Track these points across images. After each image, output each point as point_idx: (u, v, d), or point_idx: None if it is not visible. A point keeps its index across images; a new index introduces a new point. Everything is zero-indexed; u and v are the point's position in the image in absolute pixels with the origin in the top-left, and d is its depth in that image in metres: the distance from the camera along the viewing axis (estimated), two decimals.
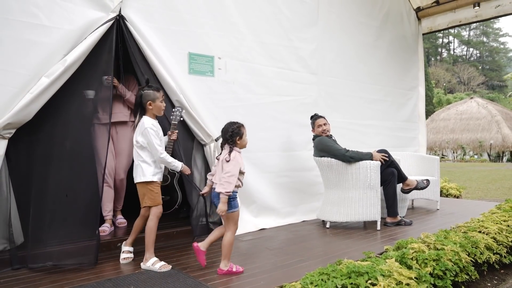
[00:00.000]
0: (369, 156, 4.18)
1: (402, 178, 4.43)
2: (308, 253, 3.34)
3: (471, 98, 29.30)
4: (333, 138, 4.52)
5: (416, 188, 4.46)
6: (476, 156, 28.01)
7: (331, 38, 5.35)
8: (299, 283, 2.46)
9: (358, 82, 5.75)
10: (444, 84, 52.54)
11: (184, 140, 3.96)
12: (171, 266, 3.00)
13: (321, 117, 4.58)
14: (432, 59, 67.00)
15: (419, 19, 6.90)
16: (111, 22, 3.36)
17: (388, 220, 4.41)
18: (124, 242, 3.26)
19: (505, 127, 24.01)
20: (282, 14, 4.73)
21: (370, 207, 4.15)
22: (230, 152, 2.90)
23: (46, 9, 3.09)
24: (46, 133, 3.19)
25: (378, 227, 4.20)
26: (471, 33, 72.58)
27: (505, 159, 29.33)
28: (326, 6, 5.26)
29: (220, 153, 3.01)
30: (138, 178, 3.03)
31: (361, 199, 4.15)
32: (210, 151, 3.89)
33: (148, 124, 2.96)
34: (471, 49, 72.52)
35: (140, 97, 3.02)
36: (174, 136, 3.42)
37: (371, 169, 4.13)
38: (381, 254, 3.11)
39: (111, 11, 3.37)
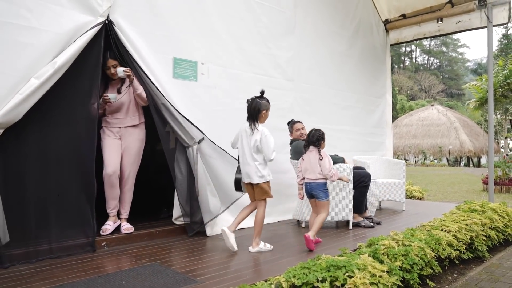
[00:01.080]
0: (341, 160, 4.45)
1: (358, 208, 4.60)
2: (288, 250, 3.55)
3: (432, 105, 30.71)
4: None
5: (359, 225, 4.59)
6: (436, 161, 29.38)
7: (307, 46, 5.62)
8: (283, 276, 2.66)
9: (331, 89, 6.05)
10: (407, 91, 54.60)
11: (167, 142, 4.08)
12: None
13: (298, 121, 4.82)
14: (396, 67, 69.45)
15: (387, 30, 7.32)
16: (100, 26, 3.45)
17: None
18: (228, 228, 3.55)
19: (463, 133, 25.34)
20: (261, 22, 4.94)
21: (343, 207, 4.41)
22: (319, 152, 3.71)
23: (36, 12, 3.14)
24: (34, 133, 3.23)
25: (350, 226, 4.48)
26: (432, 42, 75.82)
27: (462, 163, 30.94)
28: (302, 15, 5.52)
29: (304, 154, 3.83)
30: (256, 179, 3.51)
31: (335, 200, 4.40)
32: (193, 153, 4.02)
33: (267, 131, 3.56)
34: (431, 58, 75.75)
35: (259, 106, 3.57)
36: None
37: (344, 172, 4.40)
38: (355, 250, 3.36)
39: (99, 16, 3.46)
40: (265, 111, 3.63)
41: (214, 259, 3.27)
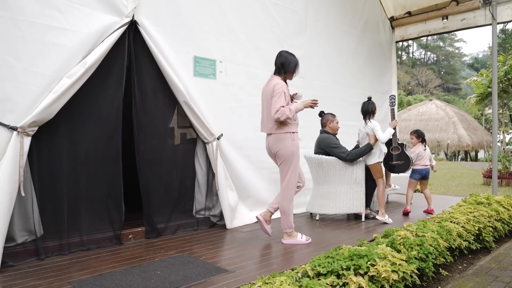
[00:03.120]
0: (370, 148, 4.57)
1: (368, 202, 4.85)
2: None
3: (430, 100, 30.90)
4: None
5: (368, 217, 4.81)
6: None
7: (317, 44, 5.76)
8: (308, 265, 2.82)
9: (340, 85, 6.20)
10: (407, 86, 54.81)
11: (188, 138, 4.22)
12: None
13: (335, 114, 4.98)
14: None
15: (393, 28, 7.46)
16: (126, 26, 3.57)
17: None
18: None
19: (461, 128, 25.56)
20: (275, 22, 5.07)
21: (356, 200, 4.58)
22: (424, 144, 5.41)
23: (67, 13, 3.26)
24: (65, 131, 3.37)
25: (363, 219, 4.65)
26: (429, 37, 75.97)
27: (459, 158, 31.23)
28: (313, 15, 5.66)
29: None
30: (371, 161, 4.61)
31: (348, 193, 4.57)
32: (213, 149, 4.17)
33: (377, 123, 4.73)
34: (428, 53, 75.85)
35: (374, 106, 4.81)
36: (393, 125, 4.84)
37: (357, 166, 4.56)
38: (371, 241, 3.53)
39: (125, 16, 3.58)
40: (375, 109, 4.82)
41: (238, 250, 3.43)
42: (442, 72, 68.06)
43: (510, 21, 6.18)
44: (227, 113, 4.45)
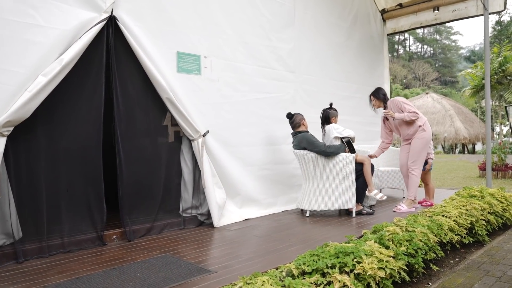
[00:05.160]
0: (342, 149, 4.53)
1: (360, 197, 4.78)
2: (294, 239, 3.63)
3: (427, 93, 30.83)
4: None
5: (361, 212, 4.75)
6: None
7: (307, 38, 5.66)
8: (293, 264, 2.74)
9: (331, 79, 6.11)
10: (402, 80, 54.77)
11: (172, 136, 4.13)
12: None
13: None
14: (390, 55, 69.48)
15: (384, 20, 7.37)
16: (104, 22, 3.47)
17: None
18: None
19: (458, 121, 25.51)
20: (263, 16, 4.98)
21: (346, 196, 4.50)
22: None
23: (42, 9, 3.16)
24: (43, 130, 3.28)
25: (353, 214, 4.58)
26: (425, 31, 75.75)
27: (457, 151, 31.21)
28: (302, 8, 5.56)
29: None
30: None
31: (338, 189, 4.49)
32: (198, 146, 4.08)
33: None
34: (425, 46, 75.77)
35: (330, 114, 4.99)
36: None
37: (347, 161, 4.48)
38: (360, 237, 3.45)
39: (103, 12, 3.48)
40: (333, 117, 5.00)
41: (224, 249, 3.35)
42: (439, 65, 68.03)
43: (502, 11, 6.09)
44: (213, 109, 4.36)
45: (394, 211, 4.91)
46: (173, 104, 3.88)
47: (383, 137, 5.37)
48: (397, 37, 73.75)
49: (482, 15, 6.14)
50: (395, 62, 63.43)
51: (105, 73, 3.57)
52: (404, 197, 5.92)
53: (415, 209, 4.97)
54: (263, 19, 4.97)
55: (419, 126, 5.00)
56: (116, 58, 3.65)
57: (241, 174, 4.61)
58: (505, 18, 27.54)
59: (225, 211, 4.39)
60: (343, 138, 4.63)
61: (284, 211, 5.04)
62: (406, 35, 74.61)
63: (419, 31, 75.22)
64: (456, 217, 4.17)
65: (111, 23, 3.57)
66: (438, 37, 74.37)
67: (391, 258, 2.91)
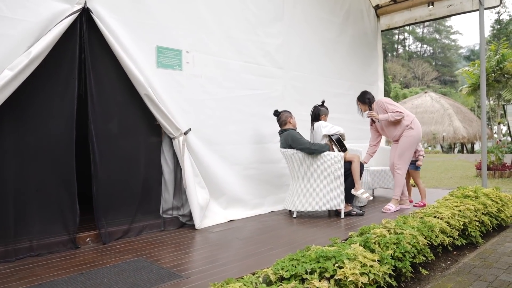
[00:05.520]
0: (327, 148, 4.36)
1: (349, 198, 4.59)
2: (277, 242, 3.46)
3: (426, 92, 30.68)
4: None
5: (350, 213, 4.56)
6: (430, 148, 29.45)
7: (296, 33, 5.49)
8: (271, 269, 2.57)
9: (322, 76, 5.94)
10: (400, 79, 54.66)
11: (152, 134, 3.97)
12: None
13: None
14: (389, 55, 69.44)
15: (378, 16, 7.20)
16: (77, 14, 3.30)
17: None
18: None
19: (456, 120, 25.36)
20: (249, 9, 4.81)
21: (334, 196, 4.33)
22: None
23: (9, 1, 2.99)
24: (11, 127, 3.10)
25: (342, 215, 4.41)
26: (425, 30, 75.75)
27: (456, 150, 31.04)
28: (291, 1, 5.39)
29: None
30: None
31: (326, 189, 4.32)
32: (179, 144, 3.91)
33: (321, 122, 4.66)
34: (425, 46, 75.69)
35: (320, 111, 4.79)
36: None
37: (335, 160, 4.31)
38: (346, 240, 3.29)
39: (76, 3, 3.31)
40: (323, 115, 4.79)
41: (202, 253, 3.18)
42: (439, 65, 67.92)
43: (497, 6, 5.92)
44: (195, 106, 4.20)
45: (383, 212, 4.76)
46: (152, 100, 3.71)
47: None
48: (396, 36, 73.69)
49: (477, 10, 5.97)
50: (394, 61, 63.36)
51: (79, 68, 3.40)
52: None
53: (399, 208, 4.94)
54: (250, 13, 4.80)
55: (407, 125, 4.88)
56: (90, 52, 3.47)
57: (226, 174, 4.44)
58: (504, 16, 27.37)
59: (209, 212, 4.22)
60: (332, 135, 4.44)
61: (271, 212, 4.87)
62: (406, 34, 74.57)
63: (419, 30, 75.13)
64: (449, 218, 4.01)
65: (85, 15, 3.39)
66: (437, 36, 74.29)
67: (376, 262, 2.74)
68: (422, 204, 5.10)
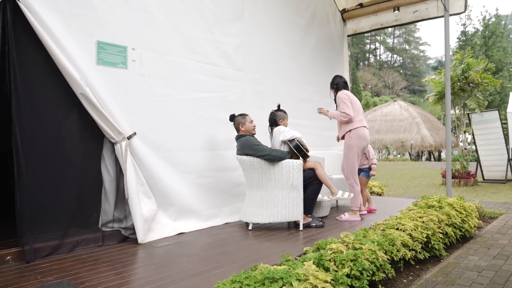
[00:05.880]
0: (289, 156, 4.09)
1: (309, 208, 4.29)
2: (226, 258, 3.14)
3: (395, 100, 31.21)
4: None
5: (309, 225, 4.26)
6: (399, 155, 29.89)
7: (258, 33, 5.22)
8: None
9: (286, 80, 5.69)
10: (370, 87, 55.70)
11: (91, 138, 3.57)
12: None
13: (247, 114, 4.42)
14: (361, 63, 70.90)
15: (344, 20, 7.04)
16: None
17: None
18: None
19: (424, 128, 25.85)
20: (205, 6, 4.50)
21: (293, 207, 4.05)
22: None
23: None
24: None
25: (301, 227, 4.13)
26: (395, 40, 77.85)
27: (424, 158, 31.65)
28: (252, 0, 5.11)
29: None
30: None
31: (284, 199, 4.04)
32: (121, 150, 3.54)
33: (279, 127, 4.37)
34: (395, 56, 77.72)
35: (277, 116, 4.49)
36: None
37: (294, 169, 4.04)
38: (300, 256, 3.00)
39: None
40: (281, 119, 4.48)
41: (137, 273, 2.82)
42: (408, 74, 69.79)
43: (462, 13, 5.86)
44: (142, 108, 3.83)
45: (336, 219, 4.66)
46: (89, 101, 3.33)
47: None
48: (368, 46, 75.26)
49: (442, 16, 5.89)
50: (365, 70, 64.62)
51: (2, 62, 2.99)
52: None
53: (360, 219, 4.74)
54: (205, 10, 4.49)
55: (348, 131, 4.69)
56: (16, 44, 3.07)
57: (176, 182, 4.09)
58: (470, 29, 28.25)
59: (156, 224, 3.85)
60: (290, 141, 4.14)
61: (226, 223, 4.54)
62: (377, 44, 76.31)
63: (389, 40, 77.06)
64: (411, 230, 3.81)
65: (9, 2, 2.99)
66: (407, 47, 76.43)
67: (329, 283, 2.46)
68: (368, 210, 5.16)
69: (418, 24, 76.50)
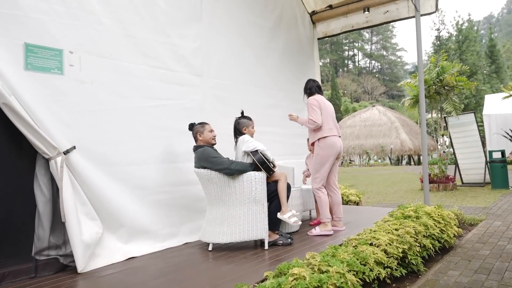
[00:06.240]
0: (253, 167, 3.72)
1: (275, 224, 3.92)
2: None
3: (373, 106, 31.36)
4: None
5: (276, 243, 3.85)
6: (380, 160, 29.93)
7: (219, 36, 4.86)
8: None
9: (252, 85, 5.34)
10: (350, 93, 56.15)
11: (21, 154, 3.13)
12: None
13: (206, 123, 4.03)
14: (340, 70, 71.66)
15: (313, 23, 6.76)
16: None
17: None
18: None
19: (403, 132, 25.95)
20: (157, 6, 4.12)
21: (256, 224, 3.67)
22: None
23: None
24: None
25: (266, 247, 3.74)
26: (373, 47, 79.11)
27: (404, 162, 31.79)
28: (211, 1, 4.77)
29: None
30: None
31: (246, 215, 3.65)
32: (56, 166, 3.10)
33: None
34: (373, 62, 78.88)
35: (241, 124, 4.10)
36: None
37: (257, 182, 3.66)
38: (259, 283, 2.62)
39: None
40: (244, 127, 4.10)
41: None
42: (386, 80, 70.82)
43: (433, 13, 5.65)
44: (83, 119, 3.41)
45: (308, 234, 4.33)
46: (14, 112, 2.90)
47: None
48: (346, 52, 76.10)
49: (414, 17, 5.67)
50: (345, 76, 65.25)
51: None
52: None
53: (332, 232, 4.37)
54: (158, 10, 4.11)
55: (317, 139, 4.40)
56: None
57: (126, 200, 3.66)
58: (444, 33, 28.69)
59: (102, 249, 3.41)
60: (252, 152, 3.77)
61: (186, 243, 4.12)
62: (355, 50, 77.27)
63: (367, 47, 78.16)
64: (386, 245, 3.49)
65: None
66: (385, 53, 77.68)
67: None
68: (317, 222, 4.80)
69: (395, 30, 78.00)
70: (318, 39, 6.84)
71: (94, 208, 3.40)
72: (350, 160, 30.42)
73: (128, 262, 3.47)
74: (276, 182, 3.84)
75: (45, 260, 3.17)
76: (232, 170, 3.61)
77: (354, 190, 7.61)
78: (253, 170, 3.71)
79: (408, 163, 31.59)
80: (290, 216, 3.78)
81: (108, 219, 3.52)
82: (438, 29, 28.09)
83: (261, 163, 3.66)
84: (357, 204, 7.32)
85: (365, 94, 62.40)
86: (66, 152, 3.18)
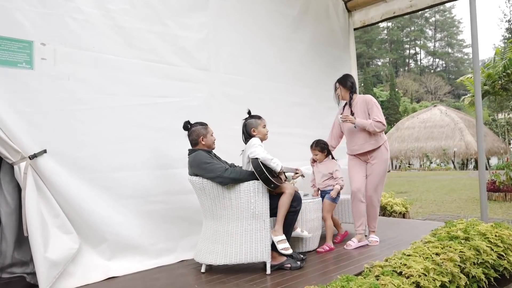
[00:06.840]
0: (250, 178, 3.09)
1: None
2: None
3: (435, 105, 29.18)
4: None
5: (283, 267, 3.20)
6: (442, 164, 27.70)
7: (230, 25, 4.33)
8: None
9: (271, 81, 4.75)
10: (411, 93, 53.36)
11: None
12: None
13: (206, 124, 3.49)
14: (401, 69, 68.41)
15: (349, 11, 5.99)
16: None
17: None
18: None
19: (468, 134, 23.75)
20: None
21: (256, 243, 3.05)
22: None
23: None
24: None
25: (268, 271, 3.09)
26: (437, 44, 74.63)
27: (471, 166, 29.16)
28: None
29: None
30: None
31: (244, 233, 3.05)
32: (20, 172, 2.72)
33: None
34: (437, 60, 74.38)
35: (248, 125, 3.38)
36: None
37: (256, 193, 3.05)
38: None
39: None
40: (253, 129, 3.37)
41: None
42: (452, 79, 66.36)
43: None
44: (57, 119, 3.02)
45: (344, 248, 3.89)
46: None
47: (330, 141, 4.22)
48: (407, 51, 72.43)
49: None
50: (406, 76, 62.07)
51: None
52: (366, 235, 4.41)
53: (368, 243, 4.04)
54: None
55: (382, 144, 3.92)
56: None
57: (109, 211, 3.22)
58: None
59: (78, 266, 3.00)
60: (251, 158, 3.12)
61: (182, 261, 3.58)
62: (417, 49, 73.39)
63: (430, 44, 73.87)
64: (419, 276, 2.76)
65: None
66: (450, 50, 72.96)
67: None
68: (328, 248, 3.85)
69: (461, 26, 73.03)
70: (355, 29, 6.06)
71: (70, 221, 3.01)
72: (409, 164, 28.47)
73: (106, 283, 3.02)
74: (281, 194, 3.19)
75: (8, 278, 2.81)
76: (226, 179, 3.02)
77: (401, 199, 6.67)
78: (254, 179, 3.09)
79: (476, 167, 28.93)
80: (280, 240, 3.06)
81: (87, 233, 3.11)
82: (509, 21, 25.44)
83: (259, 173, 3.00)
84: (403, 215, 6.41)
85: (428, 94, 58.88)
86: (33, 157, 2.80)
